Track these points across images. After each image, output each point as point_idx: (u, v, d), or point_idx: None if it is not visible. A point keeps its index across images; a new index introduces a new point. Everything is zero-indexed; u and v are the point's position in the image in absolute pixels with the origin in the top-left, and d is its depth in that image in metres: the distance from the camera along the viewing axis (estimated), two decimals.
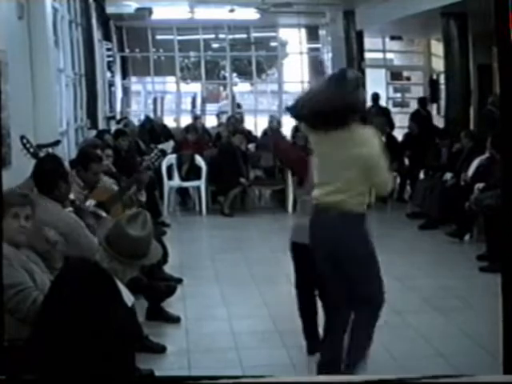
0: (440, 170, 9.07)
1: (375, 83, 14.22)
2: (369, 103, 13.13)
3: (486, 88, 11.60)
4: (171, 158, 9.93)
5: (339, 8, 13.49)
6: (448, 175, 8.57)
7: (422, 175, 10.07)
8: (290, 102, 3.79)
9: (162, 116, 14.83)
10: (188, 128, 11.16)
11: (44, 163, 4.38)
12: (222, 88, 17.42)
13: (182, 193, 10.29)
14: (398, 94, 16.24)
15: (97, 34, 12.05)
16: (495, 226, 6.42)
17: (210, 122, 15.03)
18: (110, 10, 13.35)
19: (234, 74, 17.03)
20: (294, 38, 16.63)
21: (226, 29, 15.93)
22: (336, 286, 3.76)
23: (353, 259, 3.66)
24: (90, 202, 5.02)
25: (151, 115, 14.37)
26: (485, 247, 6.72)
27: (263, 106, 16.95)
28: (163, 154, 8.79)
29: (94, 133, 10.09)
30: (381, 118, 10.95)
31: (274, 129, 10.64)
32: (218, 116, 14.71)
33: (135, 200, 5.63)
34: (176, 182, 9.88)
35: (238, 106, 16.15)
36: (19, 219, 3.31)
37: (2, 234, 3.12)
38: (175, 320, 5.12)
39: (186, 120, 13.92)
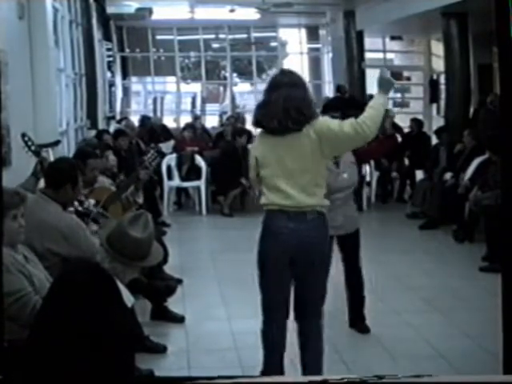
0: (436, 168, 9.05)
1: (375, 83, 14.21)
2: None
3: (486, 88, 11.60)
4: (171, 158, 9.92)
5: (339, 8, 13.50)
6: (448, 175, 8.55)
7: (421, 175, 10.05)
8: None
9: (161, 116, 14.84)
10: (185, 126, 11.16)
11: (59, 162, 4.38)
12: (222, 88, 17.41)
13: (179, 193, 10.28)
14: (398, 94, 16.24)
15: (97, 34, 12.05)
16: (495, 226, 6.42)
17: (210, 122, 15.03)
18: (110, 9, 13.36)
19: (235, 74, 17.04)
20: (294, 38, 16.64)
21: (226, 29, 15.95)
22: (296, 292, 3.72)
23: (322, 264, 3.63)
24: (90, 202, 5.01)
25: (151, 115, 14.37)
26: (484, 247, 6.71)
27: None
28: (160, 154, 8.77)
29: (93, 133, 10.09)
30: None
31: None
32: (220, 116, 14.70)
33: (132, 201, 5.61)
34: (176, 181, 9.88)
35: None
36: (17, 220, 3.26)
37: (2, 235, 3.10)
38: (179, 320, 5.12)
39: (185, 120, 13.91)
